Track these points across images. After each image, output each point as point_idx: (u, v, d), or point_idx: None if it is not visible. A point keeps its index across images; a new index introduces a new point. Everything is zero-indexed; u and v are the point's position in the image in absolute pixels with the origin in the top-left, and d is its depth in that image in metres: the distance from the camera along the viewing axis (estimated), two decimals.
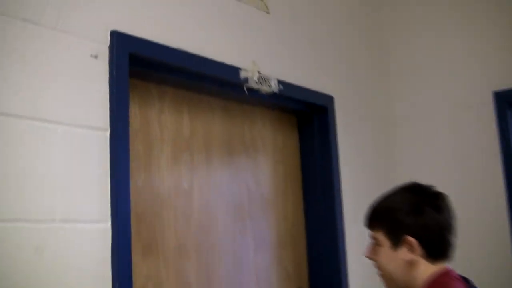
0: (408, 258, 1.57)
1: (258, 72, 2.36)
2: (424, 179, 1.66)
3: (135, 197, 2.02)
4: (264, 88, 2.39)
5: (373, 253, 1.64)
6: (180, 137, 2.22)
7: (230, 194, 2.40)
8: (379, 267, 1.63)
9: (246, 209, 2.47)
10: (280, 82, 2.46)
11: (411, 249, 1.56)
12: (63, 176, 1.65)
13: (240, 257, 2.40)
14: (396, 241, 1.58)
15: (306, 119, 2.78)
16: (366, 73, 3.15)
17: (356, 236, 2.67)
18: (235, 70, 2.28)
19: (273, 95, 2.46)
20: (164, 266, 2.08)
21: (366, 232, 1.66)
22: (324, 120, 2.75)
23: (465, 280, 1.59)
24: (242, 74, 2.29)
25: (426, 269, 1.57)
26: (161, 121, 2.16)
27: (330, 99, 2.79)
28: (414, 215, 1.57)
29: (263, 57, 2.44)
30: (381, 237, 1.60)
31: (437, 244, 1.57)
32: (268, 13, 2.51)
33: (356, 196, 2.78)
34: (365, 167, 2.97)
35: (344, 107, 2.87)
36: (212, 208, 2.31)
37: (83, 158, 1.71)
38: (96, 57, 1.75)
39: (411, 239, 1.56)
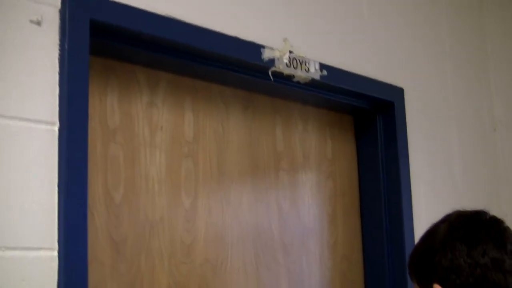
0: None
1: (290, 51, 2.09)
2: None
3: (111, 220, 1.78)
4: (300, 74, 2.11)
5: None
6: (180, 139, 1.98)
7: (252, 219, 2.13)
8: None
9: (277, 239, 2.20)
10: (323, 66, 2.18)
11: None
12: None
13: None
14: None
15: (366, 119, 2.49)
16: (453, 59, 2.85)
17: None
18: (256, 48, 2.01)
19: (314, 84, 2.19)
20: None
21: None
22: (390, 121, 2.47)
23: None
24: (266, 54, 2.03)
25: None
26: (152, 117, 1.92)
27: (399, 92, 2.49)
28: (440, 255, 1.41)
29: (299, 32, 2.17)
30: None
31: None
32: None
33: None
34: (448, 184, 2.66)
35: (418, 103, 2.59)
36: (225, 235, 2.05)
37: (17, 162, 1.48)
38: (38, 23, 1.54)
39: (437, 287, 1.39)
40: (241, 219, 2.10)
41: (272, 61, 2.04)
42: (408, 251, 2.33)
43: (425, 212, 2.49)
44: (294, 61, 2.10)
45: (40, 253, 1.47)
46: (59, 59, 1.57)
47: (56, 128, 1.55)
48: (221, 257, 2.02)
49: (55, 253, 1.49)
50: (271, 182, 2.22)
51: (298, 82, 2.14)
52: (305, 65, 2.13)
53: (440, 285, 1.40)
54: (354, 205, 2.50)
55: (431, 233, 1.50)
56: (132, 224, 1.83)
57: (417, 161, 2.52)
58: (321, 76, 2.17)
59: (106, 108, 1.82)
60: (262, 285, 2.12)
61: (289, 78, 2.11)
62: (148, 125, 1.90)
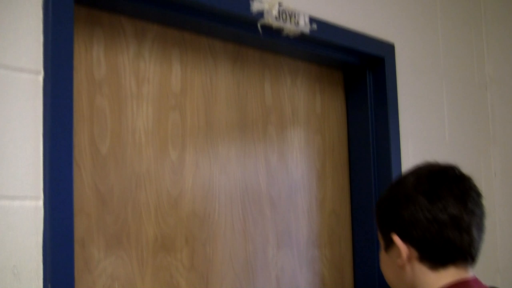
0: (399, 262, 1.46)
1: (279, 4, 2.07)
2: None
3: (97, 171, 1.79)
4: (289, 27, 2.10)
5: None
6: (167, 91, 1.97)
7: (240, 172, 2.14)
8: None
9: (265, 194, 2.21)
10: (313, 20, 2.17)
11: (398, 250, 1.45)
12: None
13: (254, 257, 2.14)
14: (387, 241, 1.50)
15: (356, 75, 2.49)
16: (445, 15, 2.82)
17: None
18: (244, 0, 2.00)
19: (303, 38, 2.18)
20: (138, 263, 1.85)
21: None
22: (380, 77, 2.46)
23: None
24: (255, 6, 2.01)
25: (427, 279, 1.42)
26: (139, 69, 1.91)
27: (389, 47, 2.48)
28: (402, 207, 1.44)
29: None
30: (379, 236, 1.55)
31: (436, 244, 1.41)
32: None
33: None
34: (437, 142, 2.67)
35: (409, 58, 2.57)
36: (212, 189, 2.05)
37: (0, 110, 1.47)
38: None
39: (395, 237, 1.44)
40: (229, 173, 2.11)
41: (261, 14, 2.02)
42: None
43: (413, 163, 2.49)
44: (284, 14, 2.08)
45: (25, 202, 1.47)
46: (43, 6, 1.55)
47: (40, 77, 1.54)
48: (208, 210, 2.03)
49: (41, 203, 1.49)
50: (260, 137, 2.22)
51: (287, 36, 2.13)
52: (295, 18, 2.12)
53: (398, 236, 1.43)
54: (343, 161, 2.50)
55: (399, 183, 1.52)
56: (119, 176, 1.83)
57: (407, 117, 2.52)
58: (311, 30, 2.15)
59: (92, 59, 1.81)
60: (249, 239, 2.14)
61: (278, 31, 2.10)
62: (134, 77, 1.90)
